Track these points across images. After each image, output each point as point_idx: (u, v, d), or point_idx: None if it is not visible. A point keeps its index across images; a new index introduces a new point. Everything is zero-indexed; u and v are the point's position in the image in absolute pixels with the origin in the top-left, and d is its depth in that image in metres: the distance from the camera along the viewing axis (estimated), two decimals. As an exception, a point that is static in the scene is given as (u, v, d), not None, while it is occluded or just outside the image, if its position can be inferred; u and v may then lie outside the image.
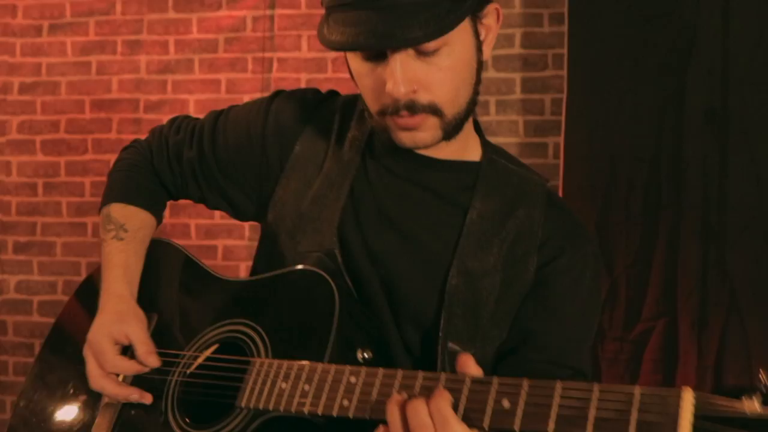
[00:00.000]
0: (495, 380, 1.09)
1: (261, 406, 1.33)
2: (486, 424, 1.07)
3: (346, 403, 1.22)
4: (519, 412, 1.05)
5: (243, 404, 1.35)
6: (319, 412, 1.24)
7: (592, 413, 0.99)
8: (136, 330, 1.54)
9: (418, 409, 1.12)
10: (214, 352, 1.51)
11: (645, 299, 3.31)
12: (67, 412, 1.63)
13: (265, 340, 1.42)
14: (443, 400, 1.11)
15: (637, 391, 0.97)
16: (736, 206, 3.23)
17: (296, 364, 1.31)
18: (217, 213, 3.89)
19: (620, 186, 3.38)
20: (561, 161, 3.49)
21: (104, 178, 1.78)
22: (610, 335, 3.32)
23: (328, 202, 1.52)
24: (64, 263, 4.12)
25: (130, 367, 1.53)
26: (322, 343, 1.34)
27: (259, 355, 1.40)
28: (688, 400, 0.93)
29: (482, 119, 2.98)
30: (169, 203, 1.80)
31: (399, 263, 1.47)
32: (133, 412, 1.54)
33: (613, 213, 3.37)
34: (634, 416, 0.95)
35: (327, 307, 1.36)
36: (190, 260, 1.67)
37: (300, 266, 1.44)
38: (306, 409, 1.26)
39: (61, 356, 1.70)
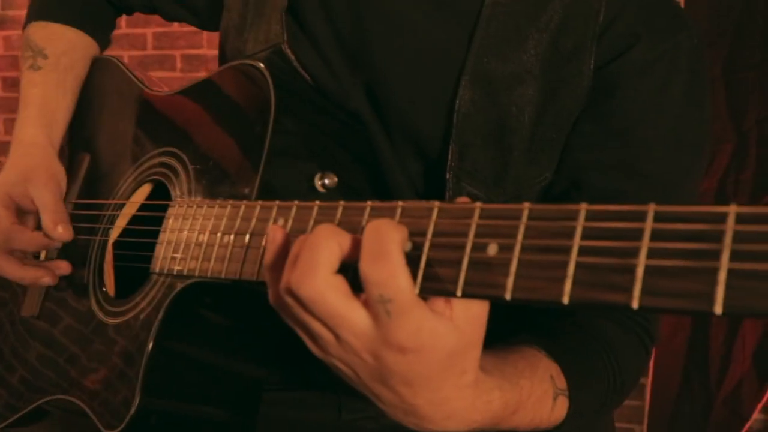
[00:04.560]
0: (477, 208, 0.60)
1: (175, 270, 0.91)
2: (458, 288, 0.59)
3: None
4: (513, 264, 0.56)
5: (157, 269, 0.95)
6: (237, 275, 0.80)
7: (642, 261, 0.49)
8: (43, 192, 1.14)
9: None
10: (147, 196, 1.11)
11: (781, 161, 2.74)
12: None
13: (189, 171, 0.99)
14: (393, 229, 0.61)
15: (731, 213, 0.46)
16: None
17: (217, 205, 0.87)
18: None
19: (756, 19, 2.77)
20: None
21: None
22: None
23: None
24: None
25: (31, 241, 1.13)
26: (251, 165, 0.89)
27: (181, 195, 0.97)
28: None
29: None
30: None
31: (388, 65, 0.99)
32: (61, 284, 1.17)
33: (746, 53, 2.75)
34: (724, 263, 0.45)
35: (260, 112, 0.91)
36: (129, 79, 1.25)
37: (229, 63, 1.01)
38: (223, 274, 0.82)
39: None
